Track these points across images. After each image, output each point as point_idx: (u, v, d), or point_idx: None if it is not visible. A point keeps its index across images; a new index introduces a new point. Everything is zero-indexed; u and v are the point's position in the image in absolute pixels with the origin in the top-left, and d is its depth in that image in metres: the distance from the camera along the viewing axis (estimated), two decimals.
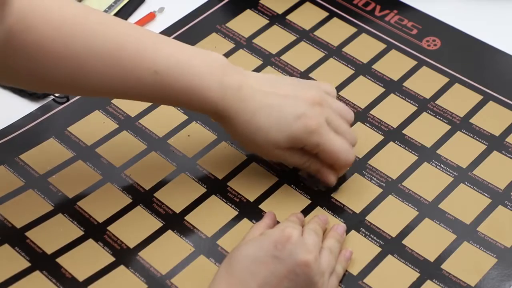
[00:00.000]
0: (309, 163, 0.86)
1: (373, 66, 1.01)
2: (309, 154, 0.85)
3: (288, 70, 1.00)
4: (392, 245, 0.84)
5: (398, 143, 0.93)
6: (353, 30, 1.05)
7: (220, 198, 0.87)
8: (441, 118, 0.95)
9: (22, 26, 0.76)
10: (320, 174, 0.87)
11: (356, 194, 0.88)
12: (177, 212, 0.86)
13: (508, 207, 0.87)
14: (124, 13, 1.06)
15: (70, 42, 0.78)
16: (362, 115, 0.95)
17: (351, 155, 0.85)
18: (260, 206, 0.87)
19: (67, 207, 0.86)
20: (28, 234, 0.84)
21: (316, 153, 0.85)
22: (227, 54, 1.01)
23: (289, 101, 0.83)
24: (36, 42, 0.77)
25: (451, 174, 0.90)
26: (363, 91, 0.98)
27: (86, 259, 0.82)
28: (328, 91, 0.88)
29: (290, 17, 1.07)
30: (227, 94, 0.82)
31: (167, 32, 1.04)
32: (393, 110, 0.96)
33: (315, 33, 1.05)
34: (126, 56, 0.80)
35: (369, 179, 0.89)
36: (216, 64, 0.83)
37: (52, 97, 0.97)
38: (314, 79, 0.98)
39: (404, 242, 0.84)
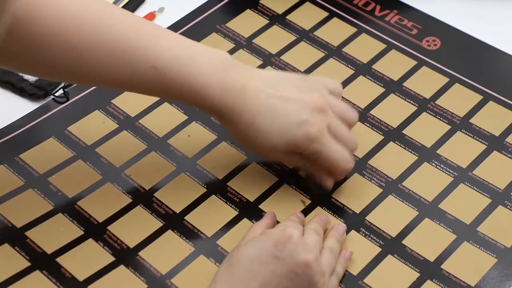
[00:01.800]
0: (308, 165, 0.86)
1: (373, 66, 1.01)
2: (307, 157, 0.85)
3: (288, 70, 1.00)
4: (392, 245, 0.84)
5: (398, 143, 0.93)
6: (353, 30, 1.05)
7: (220, 198, 0.87)
8: (441, 118, 0.95)
9: (26, 16, 0.77)
10: (317, 177, 0.86)
11: (356, 194, 0.88)
12: (177, 212, 0.86)
13: (508, 207, 0.87)
14: None
15: (69, 33, 0.78)
16: (362, 115, 0.95)
17: (350, 163, 0.85)
18: (260, 206, 0.87)
19: (67, 207, 0.86)
20: (28, 233, 0.84)
21: (315, 159, 0.84)
22: None
23: (292, 105, 0.82)
24: (38, 33, 0.77)
25: (451, 174, 0.90)
26: (363, 91, 0.98)
27: (86, 259, 0.82)
28: (332, 90, 0.87)
29: (290, 17, 1.06)
30: (229, 93, 0.81)
31: None
32: (393, 110, 0.96)
33: (315, 33, 1.05)
34: (123, 50, 0.79)
35: (369, 179, 0.89)
36: (218, 61, 0.82)
37: (52, 97, 0.97)
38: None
39: (404, 242, 0.84)
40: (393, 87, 0.99)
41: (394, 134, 0.94)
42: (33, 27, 0.77)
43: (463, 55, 1.03)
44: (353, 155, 0.86)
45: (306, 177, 0.88)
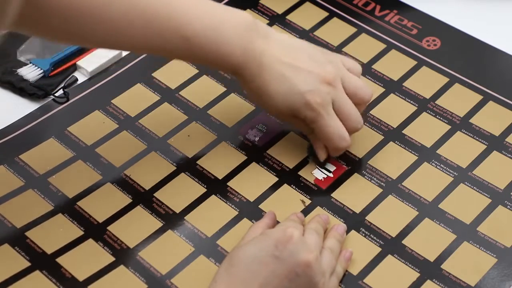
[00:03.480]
0: (310, 132, 0.89)
1: (373, 66, 1.01)
2: (308, 125, 0.88)
3: None
4: (392, 245, 0.84)
5: (398, 143, 0.93)
6: (353, 30, 1.05)
7: (220, 198, 0.87)
8: (441, 118, 0.95)
9: None
10: (314, 145, 0.90)
11: (356, 194, 0.88)
12: (177, 212, 0.86)
13: (508, 207, 0.87)
14: None
15: (106, 7, 0.81)
16: (362, 115, 0.95)
17: (344, 142, 0.87)
18: (260, 206, 0.87)
19: (67, 207, 0.86)
20: (28, 234, 0.84)
21: (313, 128, 0.87)
22: None
23: (301, 75, 0.86)
24: (73, 4, 0.80)
25: (451, 174, 0.90)
26: None
27: (86, 259, 0.82)
28: (351, 67, 0.90)
29: (290, 17, 1.07)
30: (249, 58, 0.85)
31: None
32: (393, 110, 0.96)
33: (315, 33, 1.05)
34: (156, 20, 0.83)
35: (369, 179, 0.89)
36: (243, 28, 0.85)
37: (52, 97, 0.97)
38: None
39: (404, 242, 0.84)
40: (393, 87, 0.99)
41: (394, 134, 0.94)
42: (68, 1, 0.80)
43: (463, 55, 1.03)
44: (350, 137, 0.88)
45: (308, 143, 0.92)
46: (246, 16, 0.86)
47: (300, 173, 0.90)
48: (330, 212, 0.86)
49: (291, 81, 0.85)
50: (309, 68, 0.86)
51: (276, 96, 0.85)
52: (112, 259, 0.82)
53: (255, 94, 0.87)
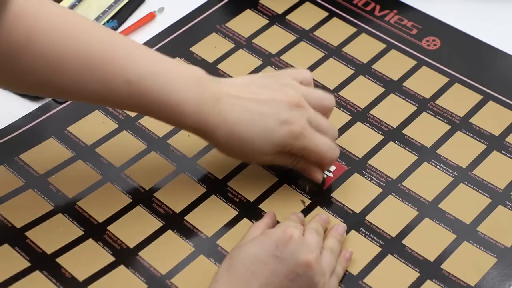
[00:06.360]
0: (296, 161, 0.86)
1: (373, 66, 1.01)
2: (295, 154, 0.85)
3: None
4: (392, 245, 0.84)
5: (398, 143, 0.93)
6: (353, 30, 1.05)
7: (220, 198, 0.87)
8: (441, 118, 0.95)
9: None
10: (307, 172, 0.87)
11: (356, 194, 0.88)
12: (177, 212, 0.86)
13: (508, 207, 0.87)
14: (124, 13, 1.06)
15: (43, 45, 0.77)
16: (362, 115, 0.95)
17: (336, 152, 0.86)
18: (260, 206, 0.87)
19: (67, 207, 0.86)
20: (28, 234, 0.84)
21: (302, 155, 0.85)
22: (227, 54, 1.01)
23: (270, 107, 0.82)
24: (11, 44, 0.76)
25: (451, 174, 0.90)
26: (363, 91, 0.98)
27: (86, 259, 0.82)
28: (302, 79, 0.87)
29: (290, 17, 1.07)
30: (204, 108, 0.80)
31: (167, 32, 1.04)
32: (393, 110, 0.96)
33: (315, 33, 1.05)
34: (98, 63, 0.78)
35: (369, 179, 0.89)
36: (193, 77, 0.81)
37: None
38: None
39: (404, 242, 0.84)
40: (393, 87, 0.99)
41: (394, 134, 0.94)
42: (13, 38, 0.76)
43: (463, 55, 1.03)
44: (337, 144, 0.87)
45: (296, 175, 0.88)
46: (196, 68, 0.82)
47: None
48: (330, 212, 0.86)
49: (262, 116, 0.81)
50: (272, 98, 0.82)
51: (252, 137, 0.81)
52: (112, 259, 0.82)
53: (227, 145, 0.82)
